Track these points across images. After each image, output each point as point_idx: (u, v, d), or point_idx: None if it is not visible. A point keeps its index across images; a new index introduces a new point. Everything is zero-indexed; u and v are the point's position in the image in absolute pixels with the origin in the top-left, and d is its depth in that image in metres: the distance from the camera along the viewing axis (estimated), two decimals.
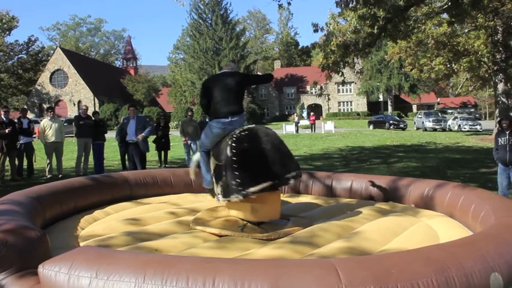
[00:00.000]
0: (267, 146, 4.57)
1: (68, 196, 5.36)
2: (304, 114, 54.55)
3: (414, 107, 66.60)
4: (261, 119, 54.50)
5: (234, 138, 4.53)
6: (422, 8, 18.03)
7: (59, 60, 60.55)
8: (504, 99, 24.80)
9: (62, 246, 3.82)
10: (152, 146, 14.65)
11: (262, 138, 4.60)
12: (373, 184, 6.18)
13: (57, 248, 3.67)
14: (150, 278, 2.50)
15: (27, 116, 12.83)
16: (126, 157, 12.96)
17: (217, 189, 4.68)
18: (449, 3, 13.72)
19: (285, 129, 34.68)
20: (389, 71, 60.44)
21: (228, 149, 4.49)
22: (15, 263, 3.04)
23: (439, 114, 41.88)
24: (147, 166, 13.16)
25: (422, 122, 38.13)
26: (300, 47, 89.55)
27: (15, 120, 11.55)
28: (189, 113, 14.73)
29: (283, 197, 5.40)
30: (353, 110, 64.65)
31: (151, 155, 15.44)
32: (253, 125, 4.85)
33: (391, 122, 41.15)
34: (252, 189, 4.37)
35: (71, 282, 2.60)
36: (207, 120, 14.30)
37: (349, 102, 65.87)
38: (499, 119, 8.11)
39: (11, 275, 2.98)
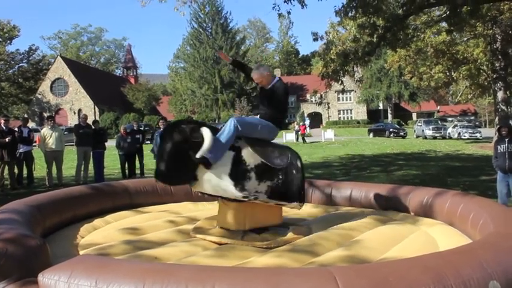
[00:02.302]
0: None
1: (68, 205, 5.37)
2: (307, 123, 54.60)
3: (414, 115, 66.68)
4: None
5: (298, 155, 4.97)
6: (421, 16, 18.15)
7: (59, 69, 60.72)
8: (504, 107, 24.85)
9: (61, 255, 3.82)
10: (151, 155, 14.69)
11: None
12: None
13: (57, 257, 3.68)
14: (150, 287, 2.50)
15: (28, 125, 12.87)
16: (127, 166, 13.02)
17: (253, 186, 4.41)
18: (448, 12, 13.81)
19: (285, 138, 34.71)
20: (389, 79, 60.59)
21: (299, 162, 4.88)
22: (16, 272, 3.05)
23: (439, 122, 41.97)
24: (146, 175, 13.21)
25: (422, 130, 38.19)
26: (300, 55, 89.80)
27: (16, 129, 11.58)
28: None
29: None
30: (353, 118, 64.75)
31: (151, 163, 15.45)
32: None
33: (391, 130, 41.21)
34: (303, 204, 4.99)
35: None
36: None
37: (349, 111, 66.00)
38: (498, 126, 8.14)
39: (11, 283, 2.99)
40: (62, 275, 2.68)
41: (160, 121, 11.70)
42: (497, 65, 24.74)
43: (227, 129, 4.43)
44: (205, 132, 4.24)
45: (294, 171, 4.71)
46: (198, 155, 4.17)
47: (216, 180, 4.35)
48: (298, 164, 4.82)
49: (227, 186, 4.34)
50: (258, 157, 4.47)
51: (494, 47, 24.49)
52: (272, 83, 4.86)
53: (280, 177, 4.57)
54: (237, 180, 4.33)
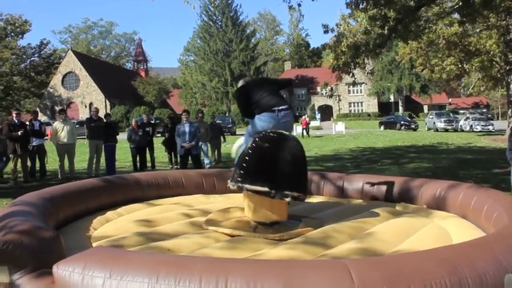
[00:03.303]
0: (285, 156, 4.60)
1: (81, 197, 5.40)
2: (318, 116, 54.47)
3: (425, 108, 66.25)
4: None
5: (261, 135, 4.70)
6: (433, 8, 17.95)
7: (70, 63, 61.11)
8: None
9: (75, 247, 3.84)
10: (162, 148, 14.77)
11: (286, 148, 4.65)
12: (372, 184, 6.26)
13: (70, 249, 3.69)
14: (163, 278, 2.51)
15: (39, 118, 12.97)
16: (138, 159, 13.09)
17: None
18: (461, 3, 13.67)
19: (296, 130, 34.58)
20: (400, 71, 60.21)
21: (252, 142, 4.69)
22: (30, 263, 3.07)
23: (451, 114, 41.64)
24: (157, 168, 13.28)
25: (434, 123, 37.94)
26: (311, 48, 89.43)
27: (27, 123, 11.67)
28: (200, 115, 14.77)
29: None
30: (364, 111, 64.48)
31: (162, 156, 15.52)
32: (288, 133, 4.94)
33: (402, 122, 41.00)
34: (247, 185, 4.54)
35: (85, 282, 2.62)
36: (216, 121, 15.18)
37: (359, 103, 65.73)
38: None
39: (26, 274, 3.02)
40: (76, 267, 2.69)
41: (184, 114, 11.81)
42: (510, 56, 24.47)
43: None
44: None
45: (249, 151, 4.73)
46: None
47: None
48: (252, 143, 4.74)
49: None
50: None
51: (508, 38, 24.20)
52: None
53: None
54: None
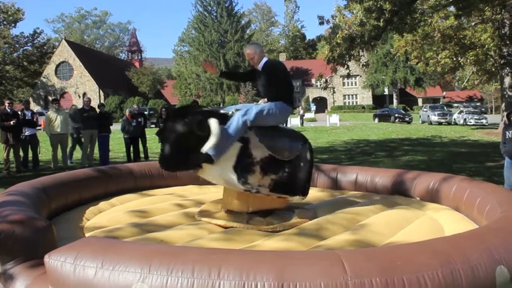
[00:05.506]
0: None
1: (74, 187, 5.37)
2: (312, 108, 54.47)
3: (420, 101, 66.35)
4: None
5: (310, 145, 4.83)
6: (429, 0, 17.90)
7: (64, 53, 60.63)
8: (511, 93, 24.63)
9: (67, 237, 3.83)
10: (155, 139, 14.70)
11: None
12: None
13: (62, 239, 3.68)
14: (156, 269, 2.50)
15: (30, 107, 12.85)
16: (131, 149, 13.05)
17: (257, 180, 4.32)
18: None
19: (290, 122, 34.61)
20: (395, 64, 60.18)
21: (309, 154, 4.72)
22: (22, 253, 3.06)
23: (445, 107, 41.70)
24: (150, 158, 13.25)
25: (428, 116, 38.01)
26: (306, 40, 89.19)
27: (19, 113, 11.59)
28: (194, 105, 14.72)
29: None
30: (358, 103, 64.51)
31: (156, 147, 15.47)
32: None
33: (396, 115, 41.06)
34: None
35: (77, 272, 2.61)
36: None
37: (354, 96, 65.74)
38: (506, 112, 8.07)
39: (18, 264, 3.01)
40: (68, 257, 2.68)
41: (193, 104, 11.81)
42: (505, 50, 24.47)
43: (234, 124, 4.21)
44: (213, 126, 4.01)
45: (302, 164, 4.49)
46: (202, 151, 4.04)
47: (219, 171, 4.29)
48: (308, 155, 4.57)
49: (230, 178, 4.29)
50: (265, 149, 4.31)
51: (503, 32, 24.18)
52: (262, 62, 4.70)
53: (286, 170, 4.39)
54: (241, 173, 4.24)
